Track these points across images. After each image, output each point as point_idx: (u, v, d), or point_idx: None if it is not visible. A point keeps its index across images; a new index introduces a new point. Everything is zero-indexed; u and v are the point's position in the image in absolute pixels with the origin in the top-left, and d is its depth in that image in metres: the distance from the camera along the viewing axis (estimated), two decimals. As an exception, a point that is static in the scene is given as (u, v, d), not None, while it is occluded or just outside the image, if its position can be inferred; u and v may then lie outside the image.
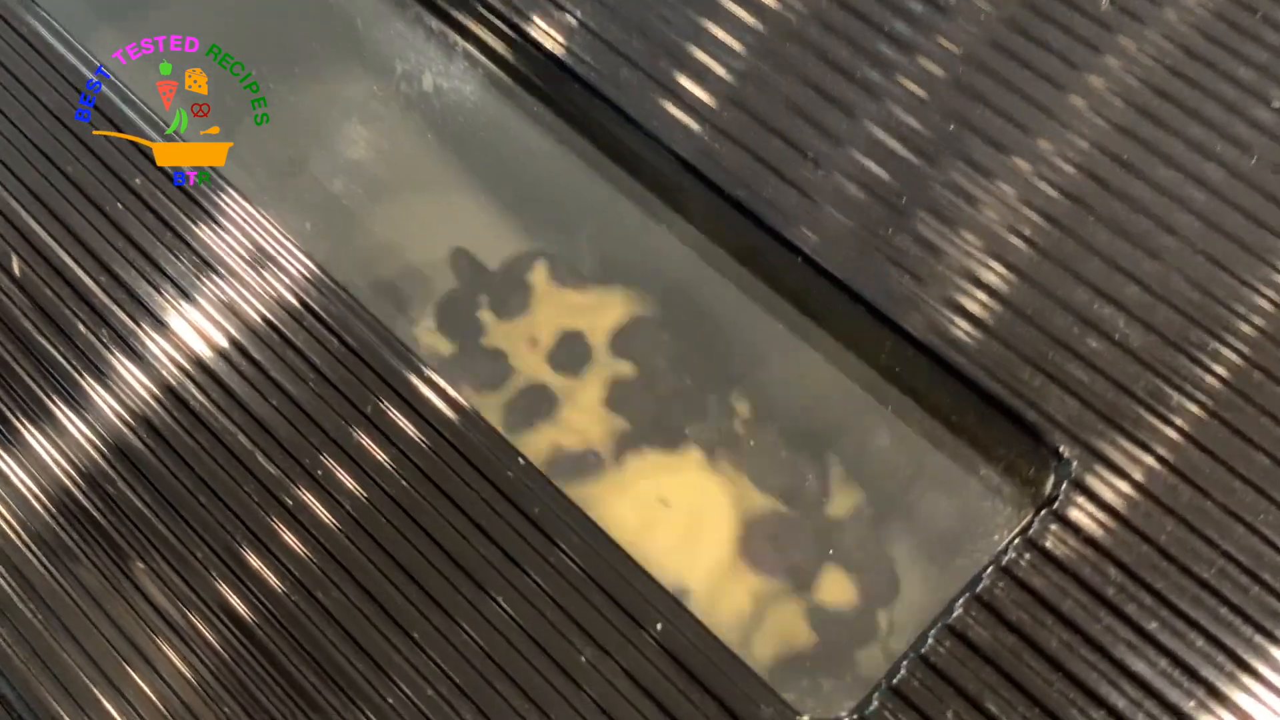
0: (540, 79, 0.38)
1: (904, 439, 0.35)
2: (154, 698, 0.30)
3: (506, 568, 0.30)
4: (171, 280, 0.34)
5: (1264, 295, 0.32)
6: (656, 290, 0.41)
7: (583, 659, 0.29)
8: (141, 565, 0.31)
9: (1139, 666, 0.28)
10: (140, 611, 0.31)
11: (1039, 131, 0.34)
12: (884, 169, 0.34)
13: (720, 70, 0.36)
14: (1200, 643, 0.28)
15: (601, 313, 0.41)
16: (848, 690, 0.33)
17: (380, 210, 0.44)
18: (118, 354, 0.33)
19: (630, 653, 0.29)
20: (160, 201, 0.35)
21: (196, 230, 0.35)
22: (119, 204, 0.35)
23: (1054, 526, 0.29)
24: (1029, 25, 0.36)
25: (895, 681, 0.28)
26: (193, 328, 0.34)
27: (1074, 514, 0.30)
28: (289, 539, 0.31)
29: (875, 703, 0.28)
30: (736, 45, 0.36)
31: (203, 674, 0.30)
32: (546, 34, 0.37)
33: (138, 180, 0.35)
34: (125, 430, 0.33)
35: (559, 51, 0.37)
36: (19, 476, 0.33)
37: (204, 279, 0.34)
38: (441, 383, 0.32)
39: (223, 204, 0.35)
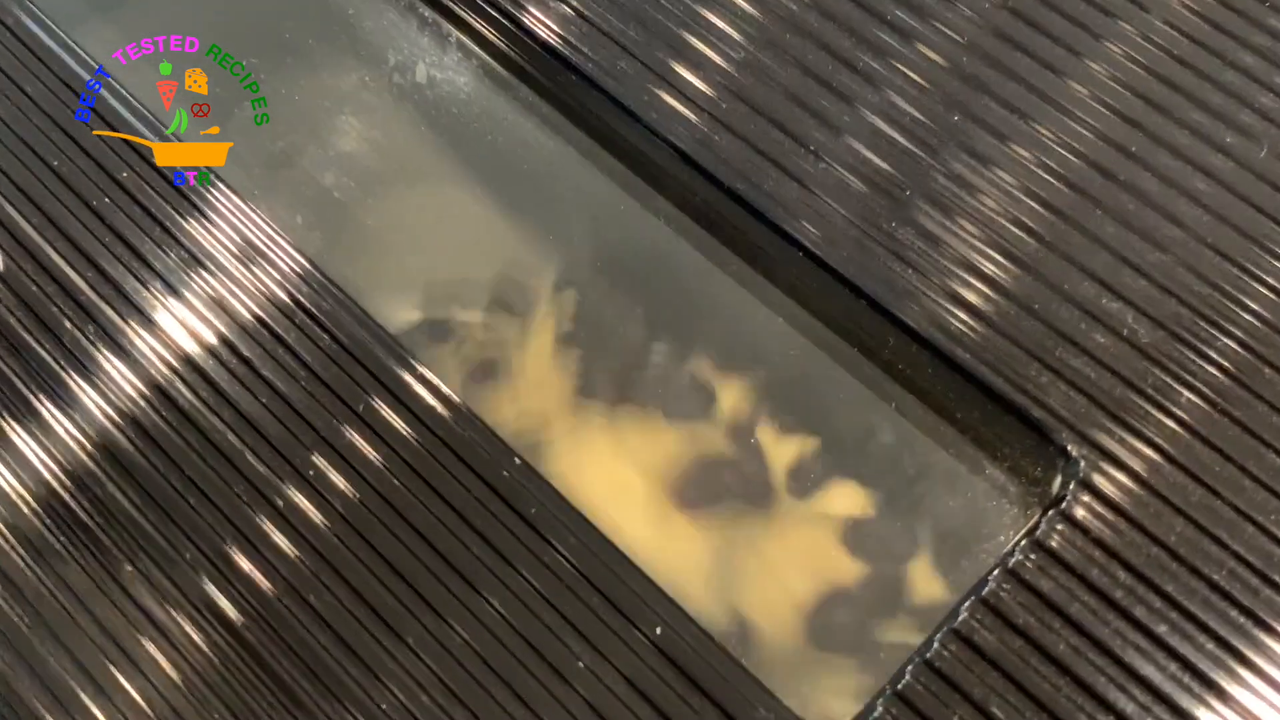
0: (535, 69, 0.38)
1: (908, 437, 0.34)
2: (141, 701, 0.30)
3: (501, 569, 0.30)
4: (159, 276, 0.34)
5: (1275, 289, 0.31)
6: (653, 286, 0.41)
7: (579, 663, 0.29)
8: (129, 566, 0.31)
9: (1148, 670, 0.28)
10: (128, 613, 0.31)
11: (1043, 121, 0.34)
12: (885, 160, 0.34)
13: (719, 60, 0.36)
14: (1210, 646, 0.28)
15: (601, 312, 0.40)
16: (851, 695, 0.33)
17: (373, 203, 0.44)
18: (105, 351, 0.33)
19: (627, 656, 0.29)
20: (148, 196, 0.35)
21: (185, 225, 0.35)
22: (106, 198, 0.35)
23: (1061, 527, 0.29)
24: (1031, 11, 0.35)
25: (900, 687, 0.28)
26: (181, 324, 0.33)
27: (1082, 514, 0.29)
28: (279, 540, 0.31)
29: (879, 708, 0.28)
30: (735, 34, 0.36)
31: (191, 677, 0.30)
32: (541, 23, 0.37)
33: (125, 174, 0.35)
34: (112, 429, 0.32)
35: (554, 41, 0.36)
36: (2, 475, 0.32)
37: (193, 274, 0.34)
38: (435, 380, 0.32)
39: (212, 198, 0.35)
